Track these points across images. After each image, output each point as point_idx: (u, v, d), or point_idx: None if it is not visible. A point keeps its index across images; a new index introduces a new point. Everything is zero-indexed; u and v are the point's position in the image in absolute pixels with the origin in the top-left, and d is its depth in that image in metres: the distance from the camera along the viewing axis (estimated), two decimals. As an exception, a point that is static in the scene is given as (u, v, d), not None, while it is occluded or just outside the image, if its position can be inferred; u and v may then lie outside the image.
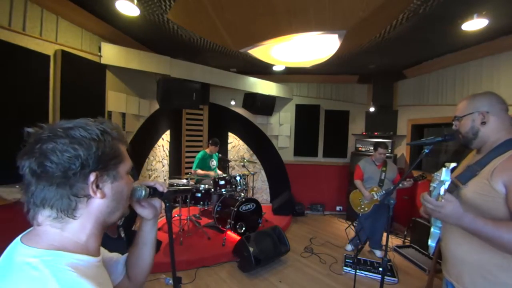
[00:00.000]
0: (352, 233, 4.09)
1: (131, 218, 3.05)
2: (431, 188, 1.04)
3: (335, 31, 2.52)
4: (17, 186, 1.97)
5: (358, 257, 3.37)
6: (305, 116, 5.37)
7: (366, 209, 3.37)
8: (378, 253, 3.55)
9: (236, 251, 3.17)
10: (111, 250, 0.77)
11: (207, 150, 4.34)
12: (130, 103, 3.41)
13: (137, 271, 0.82)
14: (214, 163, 4.43)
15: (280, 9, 2.23)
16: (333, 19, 2.34)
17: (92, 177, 0.55)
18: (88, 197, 0.56)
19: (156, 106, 4.02)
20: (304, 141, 5.42)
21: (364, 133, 5.01)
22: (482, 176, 1.08)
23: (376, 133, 4.83)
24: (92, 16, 2.67)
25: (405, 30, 2.78)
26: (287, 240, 3.39)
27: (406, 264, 3.33)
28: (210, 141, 4.30)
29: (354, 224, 4.17)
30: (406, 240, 3.97)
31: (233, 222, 3.47)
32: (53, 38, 2.38)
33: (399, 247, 3.70)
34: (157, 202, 0.82)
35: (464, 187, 1.13)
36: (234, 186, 3.86)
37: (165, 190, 0.79)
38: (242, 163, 4.85)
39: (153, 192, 0.77)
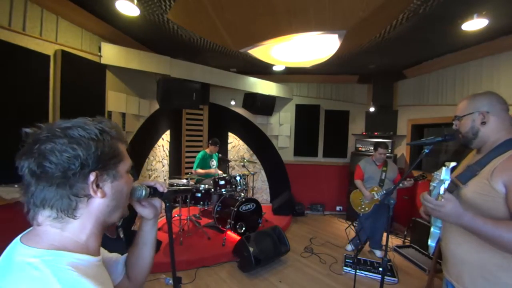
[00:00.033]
0: (352, 233, 4.09)
1: (130, 218, 3.05)
2: (431, 188, 1.05)
3: (335, 31, 2.52)
4: (16, 186, 1.97)
5: (358, 257, 3.37)
6: (305, 116, 5.37)
7: (366, 209, 3.37)
8: (378, 253, 3.55)
9: (236, 251, 3.17)
10: (110, 251, 0.77)
11: (207, 150, 4.34)
12: (130, 103, 3.41)
13: (137, 271, 0.82)
14: (214, 163, 4.43)
15: (280, 9, 2.23)
16: (333, 19, 2.34)
17: (92, 176, 0.55)
18: (88, 196, 0.56)
19: (156, 106, 4.02)
20: (304, 141, 5.42)
21: (364, 133, 5.01)
22: (482, 176, 1.08)
23: (376, 133, 4.83)
24: (92, 16, 2.67)
25: (405, 30, 2.78)
26: (287, 240, 3.39)
27: (406, 264, 3.33)
28: (210, 141, 4.30)
29: (354, 224, 4.17)
30: (406, 240, 3.97)
31: (233, 222, 3.47)
32: (53, 38, 2.38)
33: (399, 247, 3.70)
34: (157, 202, 0.82)
35: (464, 187, 1.13)
36: (234, 186, 3.86)
37: (165, 190, 0.79)
38: (242, 163, 4.85)
39: (154, 192, 0.78)
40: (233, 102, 5.25)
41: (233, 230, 3.53)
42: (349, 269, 3.10)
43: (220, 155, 4.52)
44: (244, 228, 3.57)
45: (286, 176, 5.41)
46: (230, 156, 5.45)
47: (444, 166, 1.00)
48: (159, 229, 3.55)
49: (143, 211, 0.78)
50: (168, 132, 4.57)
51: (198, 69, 3.96)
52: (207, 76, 4.08)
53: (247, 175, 4.35)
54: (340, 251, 3.65)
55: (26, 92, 2.15)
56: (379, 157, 3.42)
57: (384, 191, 3.27)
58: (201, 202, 3.79)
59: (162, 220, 3.80)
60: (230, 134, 5.49)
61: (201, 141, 5.24)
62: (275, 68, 4.45)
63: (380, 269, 3.02)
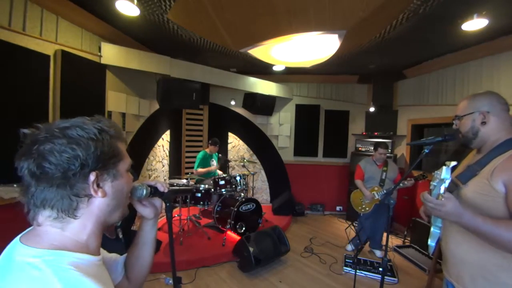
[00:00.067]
0: (352, 233, 4.09)
1: (129, 219, 3.05)
2: (431, 187, 1.05)
3: (335, 31, 2.52)
4: (14, 186, 1.97)
5: (358, 257, 3.37)
6: (305, 116, 5.37)
7: (367, 208, 3.37)
8: (378, 253, 3.55)
9: (236, 251, 3.17)
10: (109, 251, 0.77)
11: (207, 150, 4.34)
12: (130, 103, 3.41)
13: (137, 271, 0.82)
14: (214, 163, 4.43)
15: (280, 9, 2.23)
16: (333, 19, 2.34)
17: (92, 176, 0.55)
18: (89, 196, 0.56)
19: (156, 106, 4.02)
20: (304, 141, 5.42)
21: (364, 133, 5.01)
22: (482, 175, 1.08)
23: (376, 133, 4.83)
24: (92, 16, 2.67)
25: (405, 30, 2.78)
26: (287, 240, 3.39)
27: (406, 264, 3.33)
28: (210, 141, 4.30)
29: (354, 224, 4.17)
30: (406, 240, 3.97)
31: (233, 222, 3.47)
32: (53, 38, 2.38)
33: (399, 247, 3.70)
34: (158, 202, 0.82)
35: (464, 186, 1.13)
36: (234, 186, 3.85)
37: (166, 190, 0.79)
38: (242, 163, 4.85)
39: (154, 191, 0.78)
40: (233, 102, 5.25)
41: (233, 230, 3.53)
42: (349, 269, 3.10)
43: (220, 155, 4.52)
44: (244, 228, 3.57)
45: (286, 176, 5.41)
46: (230, 156, 5.45)
47: (445, 165, 0.99)
48: (159, 229, 3.55)
49: (144, 210, 0.78)
50: (168, 132, 4.57)
51: (198, 69, 3.96)
52: (207, 76, 4.08)
53: (247, 175, 4.35)
54: (340, 251, 3.65)
55: (26, 92, 2.15)
56: (379, 157, 3.42)
57: (385, 191, 3.27)
58: (201, 202, 3.79)
59: (162, 220, 3.80)
60: (230, 134, 5.49)
61: (201, 141, 5.24)
62: (275, 68, 4.45)
63: (380, 269, 3.02)
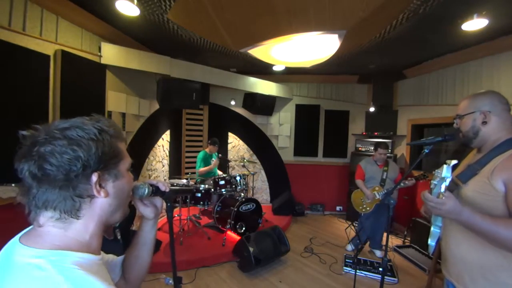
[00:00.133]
0: (352, 233, 4.09)
1: (128, 220, 3.04)
2: (431, 186, 1.05)
3: (335, 31, 2.52)
4: (13, 185, 1.97)
5: (358, 257, 3.37)
6: (305, 116, 5.37)
7: (368, 208, 3.37)
8: (378, 253, 3.55)
9: (236, 251, 3.17)
10: (107, 252, 0.77)
11: (207, 150, 4.34)
12: (130, 103, 3.41)
13: (135, 272, 0.82)
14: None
15: (280, 9, 2.23)
16: (333, 19, 2.34)
17: (94, 177, 0.55)
18: (92, 197, 0.56)
19: (156, 106, 4.02)
20: (304, 141, 5.42)
21: (364, 133, 5.01)
22: (482, 175, 1.08)
23: (376, 133, 4.83)
24: (92, 16, 2.67)
25: (405, 30, 2.78)
26: (287, 240, 3.39)
27: (406, 264, 3.33)
28: (209, 141, 4.30)
29: (354, 224, 4.17)
30: (406, 240, 3.97)
31: (233, 222, 3.47)
32: (53, 38, 2.38)
33: (399, 247, 3.70)
34: (159, 202, 0.82)
35: (464, 186, 1.13)
36: (234, 186, 3.85)
37: (168, 189, 0.79)
38: (242, 163, 4.85)
39: (156, 190, 0.77)
40: (233, 102, 5.25)
41: (233, 230, 3.53)
42: (349, 269, 3.10)
43: (220, 155, 4.52)
44: (244, 228, 3.57)
45: (286, 176, 5.41)
46: (230, 156, 5.45)
47: (446, 164, 1.00)
48: (159, 229, 3.56)
49: (145, 210, 0.78)
50: (168, 132, 4.57)
51: (198, 69, 3.96)
52: (207, 76, 4.08)
53: (247, 175, 4.35)
54: (340, 251, 3.65)
55: (26, 92, 2.15)
56: (380, 157, 3.42)
57: (385, 191, 3.27)
58: (201, 202, 3.79)
59: (162, 220, 3.79)
60: (230, 134, 5.49)
61: (201, 141, 5.24)
62: (275, 68, 4.45)
63: (380, 269, 3.02)
